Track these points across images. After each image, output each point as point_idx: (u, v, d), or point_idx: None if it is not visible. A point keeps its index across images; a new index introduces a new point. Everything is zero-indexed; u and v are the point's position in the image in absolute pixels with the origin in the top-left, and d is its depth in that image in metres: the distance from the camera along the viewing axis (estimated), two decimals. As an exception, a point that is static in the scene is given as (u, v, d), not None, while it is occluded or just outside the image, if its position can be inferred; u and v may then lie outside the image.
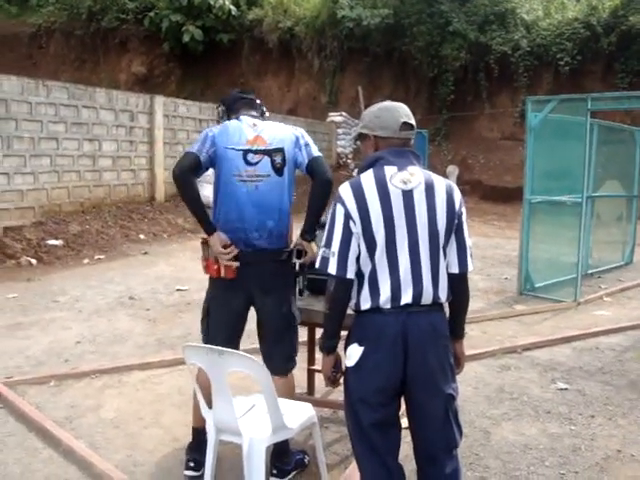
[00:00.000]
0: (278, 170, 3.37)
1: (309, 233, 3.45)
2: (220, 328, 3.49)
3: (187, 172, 3.32)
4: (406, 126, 2.68)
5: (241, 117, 3.51)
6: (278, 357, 3.47)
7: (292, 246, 3.51)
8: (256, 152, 3.37)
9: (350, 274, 2.54)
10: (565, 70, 18.37)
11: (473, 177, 18.67)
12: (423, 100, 20.52)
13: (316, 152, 3.45)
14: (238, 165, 3.36)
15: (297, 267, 3.50)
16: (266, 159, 3.36)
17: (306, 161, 3.40)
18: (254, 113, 3.58)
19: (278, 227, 3.41)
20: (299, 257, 3.50)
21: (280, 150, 3.38)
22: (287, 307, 3.49)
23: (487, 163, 19.18)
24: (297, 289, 3.62)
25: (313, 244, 3.49)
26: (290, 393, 3.47)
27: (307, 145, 3.43)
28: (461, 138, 20.04)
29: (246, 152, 3.37)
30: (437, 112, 20.10)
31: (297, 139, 3.43)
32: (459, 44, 19.57)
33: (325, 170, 3.40)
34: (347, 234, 2.52)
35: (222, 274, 3.38)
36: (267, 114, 3.74)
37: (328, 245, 2.56)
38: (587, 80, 18.12)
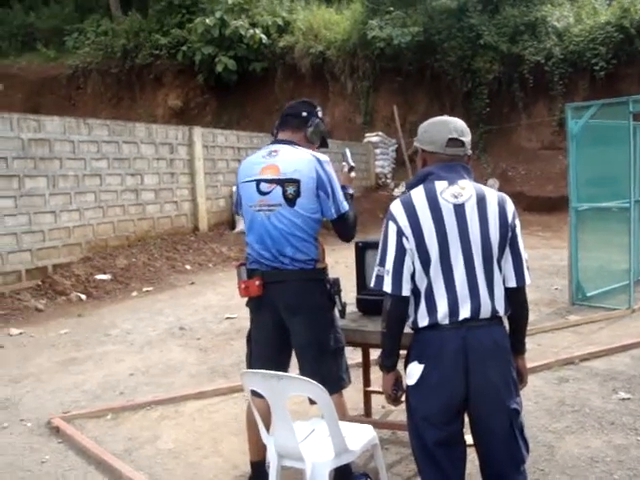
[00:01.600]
0: (290, 200, 3.32)
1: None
2: (259, 350, 3.49)
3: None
4: (454, 142, 2.64)
5: (263, 147, 3.56)
6: None
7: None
8: (268, 181, 3.37)
9: (405, 291, 2.52)
10: (601, 75, 18.14)
11: (514, 189, 18.41)
12: (459, 115, 19.80)
13: (343, 206, 3.41)
14: (252, 195, 3.42)
15: (331, 282, 3.48)
16: (278, 189, 3.34)
17: (335, 216, 3.40)
18: (287, 130, 3.54)
19: (299, 253, 3.36)
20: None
21: (294, 181, 3.32)
22: (318, 329, 3.39)
23: (528, 174, 18.98)
24: (337, 311, 3.55)
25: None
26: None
27: (335, 198, 3.38)
28: (500, 150, 19.88)
29: (259, 182, 3.40)
30: (474, 126, 19.92)
31: (320, 182, 3.35)
32: (491, 56, 19.47)
33: (348, 230, 3.48)
34: (401, 251, 2.51)
35: (250, 292, 3.39)
36: (316, 120, 3.57)
37: (382, 263, 2.55)
38: (624, 83, 17.86)
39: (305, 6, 23.49)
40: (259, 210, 3.39)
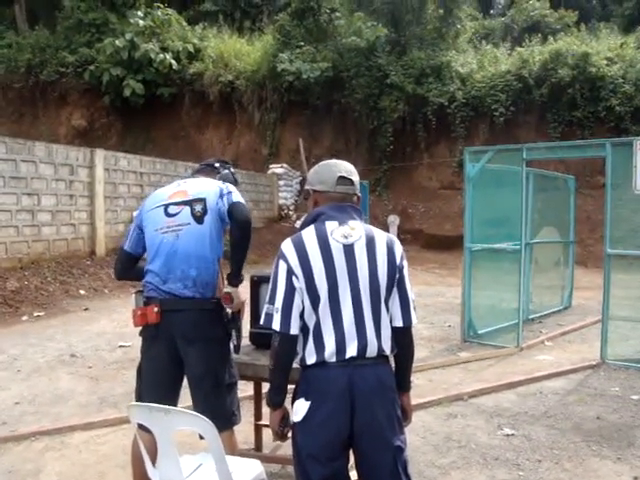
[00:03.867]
0: (198, 218, 3.38)
1: (234, 278, 3.40)
2: (149, 383, 3.42)
3: (122, 275, 3.72)
4: (343, 180, 2.73)
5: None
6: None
7: (222, 294, 3.43)
8: (177, 204, 3.43)
9: (294, 330, 2.55)
10: (500, 121, 18.96)
11: (414, 226, 18.94)
12: (363, 151, 20.85)
13: (236, 198, 3.44)
14: (160, 220, 3.44)
15: (229, 316, 3.44)
16: (186, 209, 3.40)
17: (226, 207, 3.39)
18: (199, 176, 3.71)
19: (202, 276, 3.37)
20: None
21: (201, 200, 3.41)
22: (214, 361, 3.38)
23: (427, 212, 19.50)
24: (232, 345, 3.51)
25: (240, 288, 3.43)
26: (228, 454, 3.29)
27: (229, 193, 3.43)
28: (401, 188, 20.37)
29: (167, 206, 3.45)
30: (377, 163, 20.43)
31: (220, 190, 3.44)
32: (397, 96, 20.05)
33: (242, 212, 3.39)
34: (290, 290, 2.54)
35: (147, 320, 3.33)
36: (225, 171, 3.79)
37: (272, 301, 2.58)
38: (521, 130, 18.73)
39: (216, 34, 23.58)
40: (166, 232, 3.39)
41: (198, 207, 3.39)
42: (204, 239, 3.38)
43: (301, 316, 2.56)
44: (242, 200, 3.46)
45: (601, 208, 7.69)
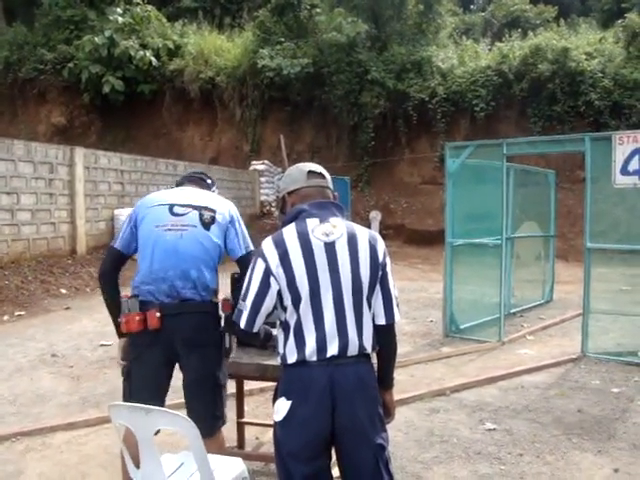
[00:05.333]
0: (206, 225, 3.38)
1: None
2: (144, 388, 3.35)
3: (108, 273, 3.51)
4: (313, 174, 2.78)
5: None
6: (202, 417, 3.18)
7: (221, 300, 3.43)
8: (183, 206, 3.41)
9: (256, 328, 2.63)
10: (480, 116, 19.03)
11: (396, 221, 18.97)
12: (344, 147, 20.86)
13: (250, 245, 3.49)
14: (162, 217, 3.39)
15: (222, 322, 3.43)
16: (194, 212, 3.39)
17: (242, 252, 3.45)
18: (194, 187, 3.67)
19: (202, 278, 3.36)
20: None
21: (211, 210, 3.42)
22: (214, 364, 3.40)
23: (409, 207, 19.54)
24: (224, 348, 3.49)
25: None
26: (219, 452, 3.33)
27: (244, 236, 3.49)
28: (383, 183, 20.38)
29: (172, 206, 3.42)
30: (358, 159, 20.44)
31: (232, 219, 3.48)
32: (378, 92, 20.05)
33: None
34: (263, 290, 2.56)
35: (148, 325, 3.27)
36: (216, 190, 3.78)
37: (244, 298, 2.61)
38: (502, 125, 18.80)
39: (196, 31, 23.47)
40: (170, 229, 3.35)
41: (207, 215, 3.39)
42: (207, 245, 3.38)
43: (268, 315, 2.61)
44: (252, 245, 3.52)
45: (581, 202, 7.73)
